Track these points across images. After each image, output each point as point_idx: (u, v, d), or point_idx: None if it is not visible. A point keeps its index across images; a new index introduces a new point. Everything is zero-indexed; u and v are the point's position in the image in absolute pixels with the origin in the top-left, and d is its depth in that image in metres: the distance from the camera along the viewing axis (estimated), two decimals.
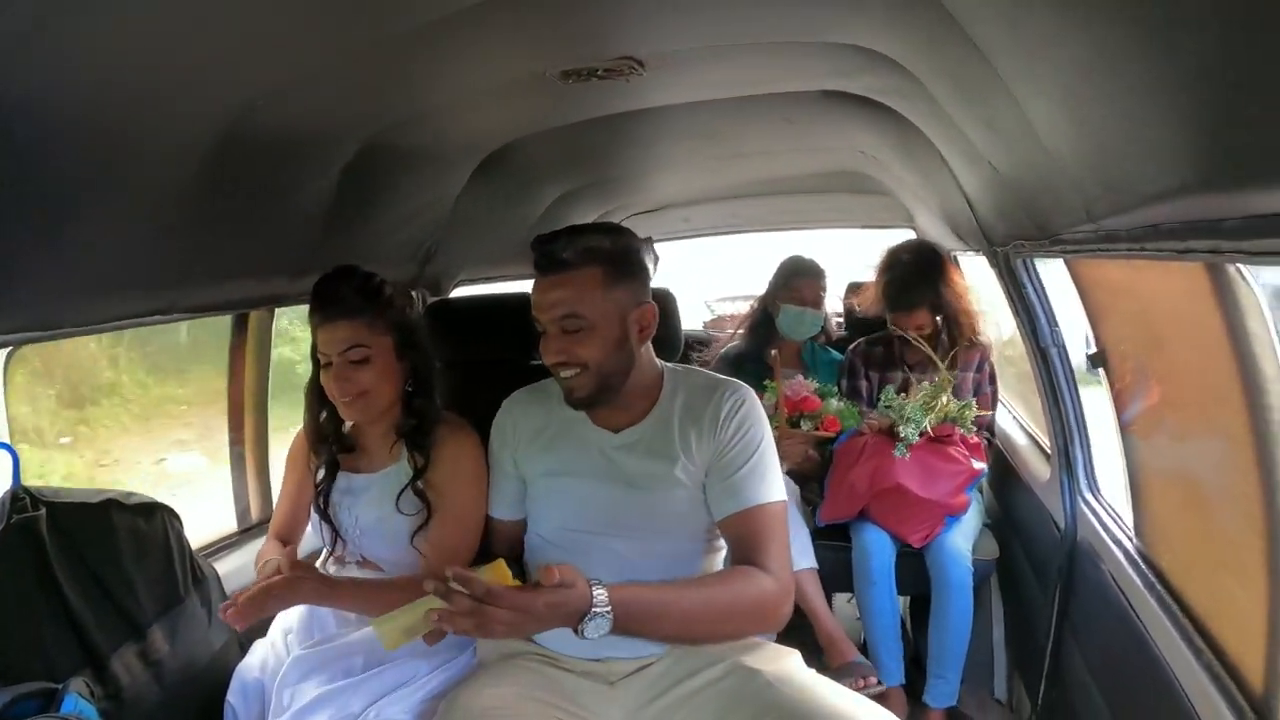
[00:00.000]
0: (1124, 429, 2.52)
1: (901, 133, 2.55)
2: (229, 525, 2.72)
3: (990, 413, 3.32)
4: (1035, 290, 2.75)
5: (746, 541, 1.83)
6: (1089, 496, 2.72)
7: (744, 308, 3.79)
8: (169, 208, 1.71)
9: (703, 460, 1.88)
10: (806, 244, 4.59)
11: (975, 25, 1.42)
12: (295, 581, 1.89)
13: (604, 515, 1.89)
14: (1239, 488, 1.79)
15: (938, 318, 3.22)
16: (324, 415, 2.11)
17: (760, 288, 3.67)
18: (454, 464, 2.04)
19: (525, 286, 1.98)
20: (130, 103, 1.38)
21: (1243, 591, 1.78)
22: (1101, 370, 2.61)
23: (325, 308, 2.00)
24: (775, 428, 3.04)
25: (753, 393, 1.96)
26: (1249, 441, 1.73)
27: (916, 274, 3.23)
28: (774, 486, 1.87)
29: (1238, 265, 1.63)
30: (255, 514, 2.73)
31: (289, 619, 2.12)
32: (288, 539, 2.24)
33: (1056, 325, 2.77)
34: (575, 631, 1.57)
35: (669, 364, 2.02)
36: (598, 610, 1.56)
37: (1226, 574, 1.93)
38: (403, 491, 2.03)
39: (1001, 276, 2.76)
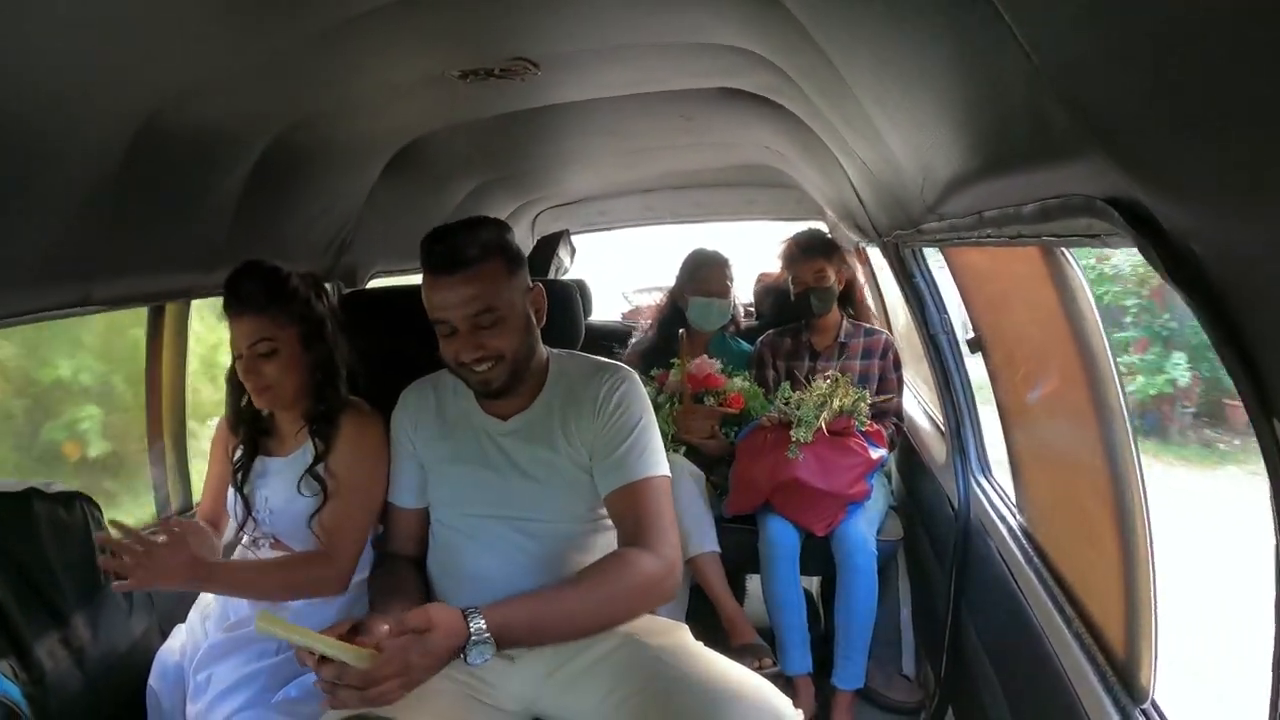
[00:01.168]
0: (1000, 409, 2.68)
1: (798, 130, 2.68)
2: None
3: (895, 397, 3.50)
4: (923, 278, 2.92)
5: (631, 516, 1.91)
6: (980, 477, 2.89)
7: (661, 298, 3.90)
8: (84, 204, 1.78)
9: (585, 443, 1.97)
10: (721, 236, 4.68)
11: (821, 31, 1.55)
12: (176, 543, 1.92)
13: (496, 500, 1.98)
14: (1089, 460, 1.93)
15: (836, 271, 3.51)
16: (244, 401, 2.19)
17: (666, 280, 3.79)
18: (354, 447, 2.13)
19: None
20: (43, 101, 1.46)
21: (1101, 561, 1.89)
22: (980, 354, 2.76)
23: (233, 303, 2.09)
24: (679, 405, 3.15)
25: (633, 374, 2.06)
26: (1092, 416, 1.89)
27: (814, 236, 3.61)
28: (655, 462, 1.96)
29: (1061, 249, 1.78)
30: (175, 503, 2.79)
31: (206, 603, 2.20)
32: (215, 522, 2.32)
33: (945, 312, 2.94)
34: (464, 661, 1.65)
35: (554, 350, 2.10)
36: (476, 639, 1.64)
37: (1089, 546, 2.05)
38: (304, 475, 2.12)
39: (892, 265, 2.92)
